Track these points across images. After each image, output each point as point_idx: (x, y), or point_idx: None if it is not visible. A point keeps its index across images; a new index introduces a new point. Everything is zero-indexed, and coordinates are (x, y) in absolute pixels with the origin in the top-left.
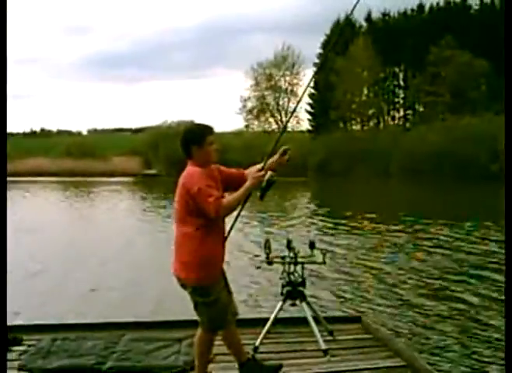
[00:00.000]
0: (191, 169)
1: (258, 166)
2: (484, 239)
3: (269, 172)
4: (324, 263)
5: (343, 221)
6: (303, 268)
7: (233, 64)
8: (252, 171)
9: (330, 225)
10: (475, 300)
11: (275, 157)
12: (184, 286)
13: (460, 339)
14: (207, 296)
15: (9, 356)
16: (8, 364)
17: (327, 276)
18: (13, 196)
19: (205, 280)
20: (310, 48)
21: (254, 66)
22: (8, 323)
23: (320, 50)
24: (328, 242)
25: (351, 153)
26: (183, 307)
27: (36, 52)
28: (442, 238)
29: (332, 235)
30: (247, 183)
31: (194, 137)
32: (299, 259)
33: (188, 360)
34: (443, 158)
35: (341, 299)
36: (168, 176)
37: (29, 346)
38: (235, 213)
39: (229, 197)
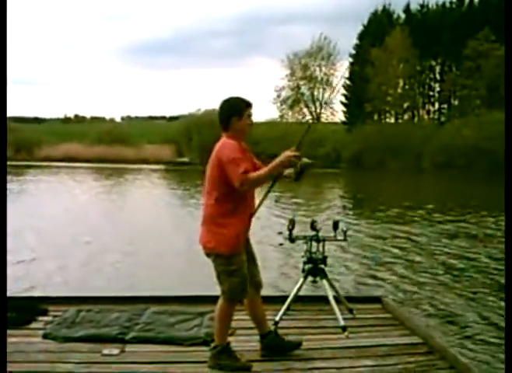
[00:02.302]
0: (225, 140)
1: (292, 148)
2: None
3: (304, 158)
4: (345, 240)
5: (374, 211)
6: (323, 246)
7: (272, 53)
8: (285, 152)
9: (359, 213)
10: None
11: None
12: (208, 255)
13: None
14: (228, 265)
15: (35, 325)
16: (33, 332)
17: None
18: (44, 181)
19: (227, 250)
20: (348, 39)
21: (289, 55)
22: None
23: (356, 41)
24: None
25: (385, 147)
26: None
27: (71, 39)
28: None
29: (362, 222)
30: (276, 160)
31: (235, 108)
32: (321, 237)
33: (210, 332)
34: (478, 153)
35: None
36: (200, 165)
37: (55, 316)
38: (262, 190)
39: (256, 172)
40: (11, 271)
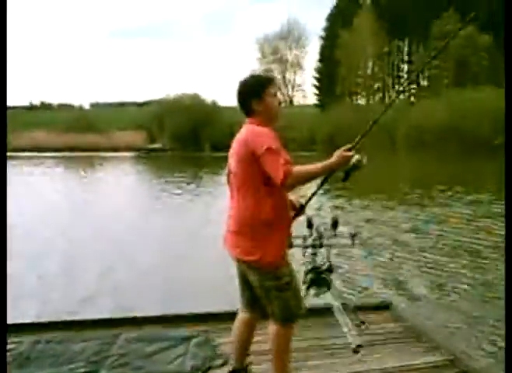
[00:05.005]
0: (255, 128)
1: (348, 145)
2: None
3: (356, 156)
4: (352, 244)
5: (361, 193)
6: (329, 252)
7: (242, 36)
8: (340, 150)
9: (343, 195)
10: None
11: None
12: (246, 269)
13: None
14: (278, 279)
15: None
16: None
17: None
18: (10, 174)
19: (276, 261)
20: (316, 21)
21: (260, 39)
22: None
23: (325, 24)
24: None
25: (357, 127)
26: None
27: (38, 24)
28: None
29: (350, 206)
30: (330, 160)
31: (252, 88)
32: (325, 242)
33: (196, 364)
34: (448, 132)
35: None
36: (172, 150)
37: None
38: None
39: (302, 167)
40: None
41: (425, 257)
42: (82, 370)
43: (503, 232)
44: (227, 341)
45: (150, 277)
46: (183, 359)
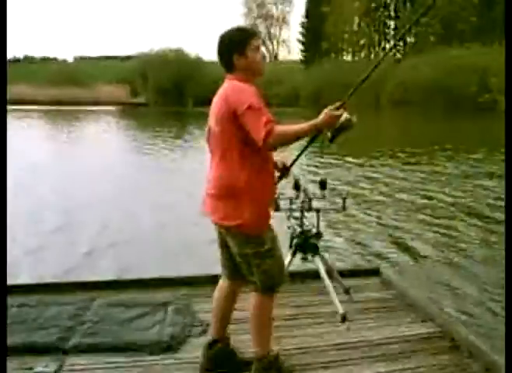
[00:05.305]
0: (236, 85)
1: (337, 103)
2: None
3: (345, 114)
4: (343, 209)
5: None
6: (318, 216)
7: None
8: (329, 108)
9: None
10: None
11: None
12: (225, 235)
13: None
14: (259, 245)
15: None
16: None
17: None
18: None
19: (257, 226)
20: None
21: None
22: None
23: None
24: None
25: (342, 84)
26: None
27: None
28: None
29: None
30: (317, 119)
31: (233, 43)
32: (314, 204)
33: (175, 332)
34: (434, 90)
35: None
36: (155, 105)
37: None
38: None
39: (286, 126)
40: None
41: (422, 216)
42: (55, 336)
43: (499, 190)
44: (207, 307)
45: (144, 236)
46: (161, 326)
